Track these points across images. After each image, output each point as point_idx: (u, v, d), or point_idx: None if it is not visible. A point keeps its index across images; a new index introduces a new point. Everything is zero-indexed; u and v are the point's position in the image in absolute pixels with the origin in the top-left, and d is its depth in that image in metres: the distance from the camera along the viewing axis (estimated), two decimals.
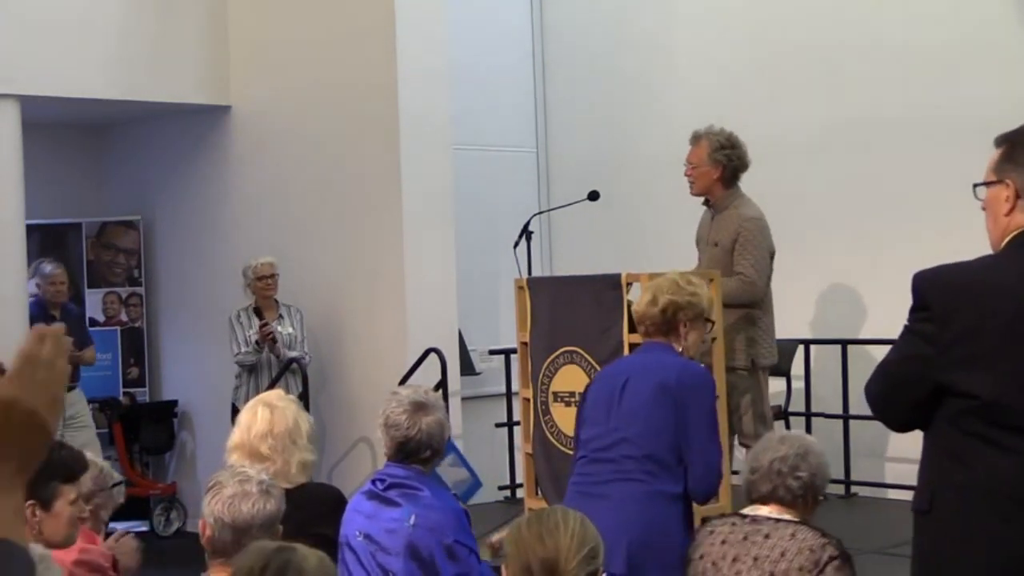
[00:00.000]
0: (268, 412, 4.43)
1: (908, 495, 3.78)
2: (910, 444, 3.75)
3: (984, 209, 3.12)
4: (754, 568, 3.75)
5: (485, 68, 9.73)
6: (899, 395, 3.18)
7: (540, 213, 7.97)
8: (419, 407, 4.25)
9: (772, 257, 6.41)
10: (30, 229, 9.05)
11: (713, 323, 4.69)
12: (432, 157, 8.49)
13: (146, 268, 10.28)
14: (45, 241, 9.33)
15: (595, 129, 9.99)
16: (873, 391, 3.27)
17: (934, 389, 3.01)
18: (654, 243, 8.71)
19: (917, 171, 8.05)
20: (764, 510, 3.90)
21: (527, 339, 6.31)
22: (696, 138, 6.64)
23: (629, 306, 4.79)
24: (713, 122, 9.10)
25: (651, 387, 4.30)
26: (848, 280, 7.91)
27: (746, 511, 3.95)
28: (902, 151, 8.22)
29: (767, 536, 3.80)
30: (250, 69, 9.55)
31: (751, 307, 6.35)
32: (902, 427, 3.40)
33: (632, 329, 5.11)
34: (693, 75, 9.40)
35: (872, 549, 5.73)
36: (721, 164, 6.49)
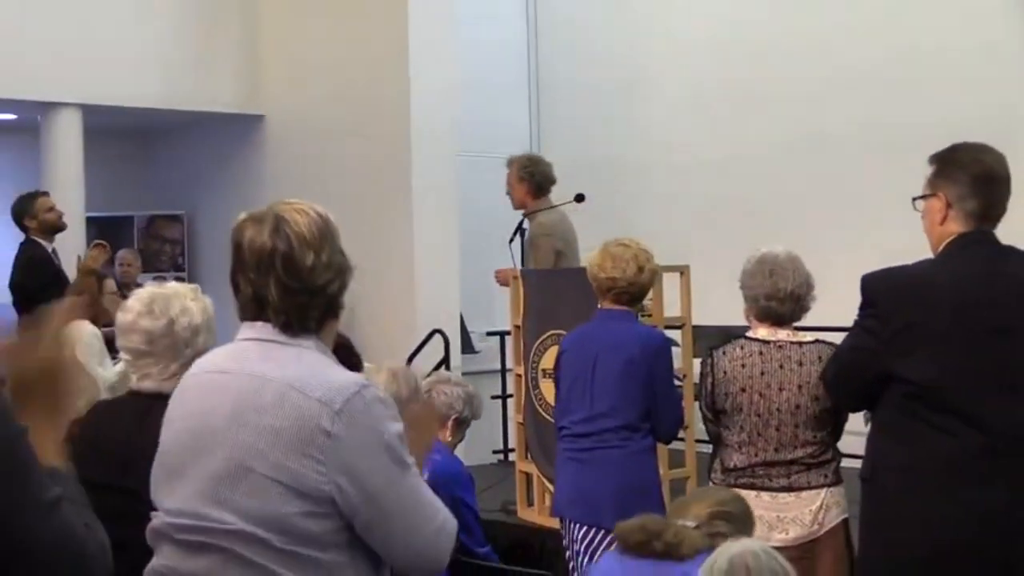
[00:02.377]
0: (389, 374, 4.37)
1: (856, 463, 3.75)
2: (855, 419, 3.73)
3: (923, 218, 3.14)
4: (798, 394, 3.71)
5: (485, 83, 9.73)
6: (848, 380, 3.23)
7: (531, 213, 7.92)
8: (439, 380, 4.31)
9: (558, 253, 6.69)
10: (89, 221, 9.12)
11: None
12: (439, 162, 8.50)
13: (189, 256, 10.37)
14: (102, 231, 9.30)
15: (581, 138, 9.98)
16: (828, 376, 3.41)
17: (879, 376, 3.02)
18: (627, 236, 8.69)
19: (864, 180, 8.04)
20: (782, 333, 3.81)
21: (520, 323, 6.30)
22: (508, 164, 6.99)
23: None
24: (687, 130, 9.14)
25: (620, 364, 4.24)
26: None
27: (763, 335, 3.83)
28: (852, 162, 8.21)
29: (800, 363, 3.74)
30: (281, 83, 9.57)
31: None
32: (852, 407, 3.45)
33: None
34: (670, 90, 9.39)
35: None
36: (527, 180, 6.82)
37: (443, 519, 2.23)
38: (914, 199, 3.14)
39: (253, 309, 2.20)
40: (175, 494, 2.19)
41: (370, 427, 2.11)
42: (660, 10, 9.52)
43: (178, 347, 2.95)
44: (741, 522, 3.14)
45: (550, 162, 7.08)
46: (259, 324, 2.21)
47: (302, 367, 2.15)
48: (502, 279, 6.89)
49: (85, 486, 1.71)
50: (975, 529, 2.87)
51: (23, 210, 7.13)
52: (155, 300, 3.00)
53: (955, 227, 3.03)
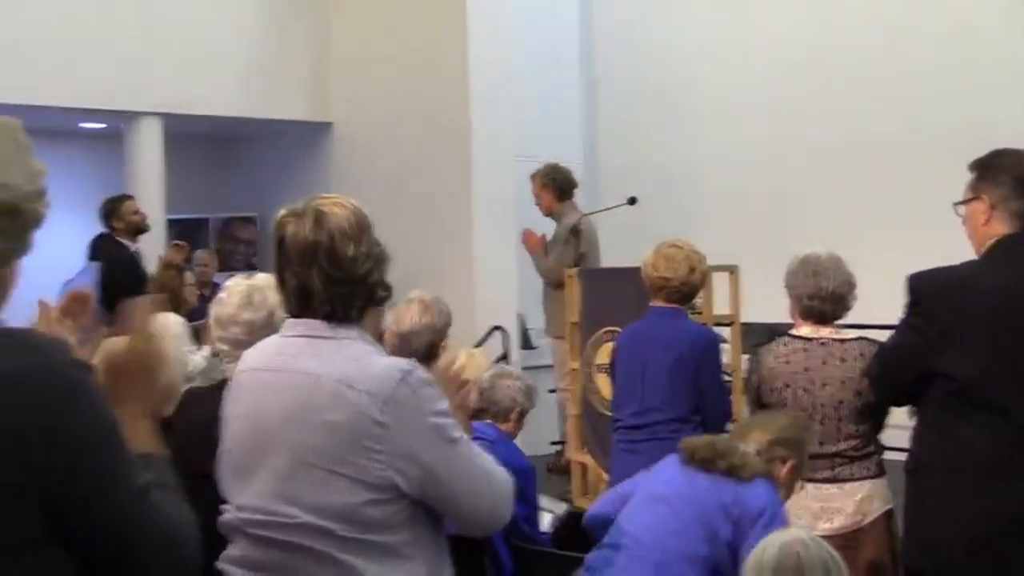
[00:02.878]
0: (480, 356, 4.54)
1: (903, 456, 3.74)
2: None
3: (964, 223, 3.12)
4: (841, 390, 3.72)
5: (541, 90, 9.71)
6: (893, 376, 3.22)
7: (587, 215, 7.93)
8: (500, 375, 4.30)
9: (581, 255, 7.11)
10: (169, 222, 9.22)
11: None
12: (498, 167, 8.52)
13: (261, 256, 10.40)
14: (181, 233, 9.44)
15: (635, 142, 9.96)
16: (873, 372, 3.38)
17: (923, 372, 3.01)
18: (679, 237, 8.68)
19: (913, 181, 7.96)
20: (825, 331, 3.81)
21: (576, 319, 6.31)
22: (532, 177, 7.43)
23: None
24: (733, 133, 9.09)
25: (670, 360, 4.30)
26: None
27: (806, 332, 3.83)
28: (901, 163, 8.13)
29: (842, 359, 3.74)
30: (348, 93, 9.61)
31: (558, 287, 6.94)
32: (895, 402, 3.44)
33: None
34: (722, 93, 9.35)
35: None
36: (550, 186, 7.23)
37: (500, 480, 2.25)
38: (956, 204, 3.13)
39: (299, 301, 2.22)
40: (243, 491, 2.22)
41: (419, 410, 2.12)
42: (712, 15, 9.47)
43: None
44: (797, 447, 3.24)
45: (570, 168, 7.38)
46: (304, 320, 2.23)
47: (348, 361, 2.15)
48: (528, 242, 7.32)
49: (181, 473, 1.72)
50: (1005, 523, 2.86)
51: (111, 211, 7.30)
52: (253, 292, 3.00)
53: (1000, 228, 3.01)
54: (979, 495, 2.88)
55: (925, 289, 3.05)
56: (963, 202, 3.10)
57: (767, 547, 2.54)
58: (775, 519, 3.00)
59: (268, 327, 2.93)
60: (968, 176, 3.12)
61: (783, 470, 3.20)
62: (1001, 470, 2.87)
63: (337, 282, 2.18)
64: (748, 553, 2.69)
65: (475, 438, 4.14)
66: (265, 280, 3.04)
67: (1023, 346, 2.90)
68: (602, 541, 3.21)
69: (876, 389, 3.43)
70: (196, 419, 2.81)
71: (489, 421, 4.15)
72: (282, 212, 2.25)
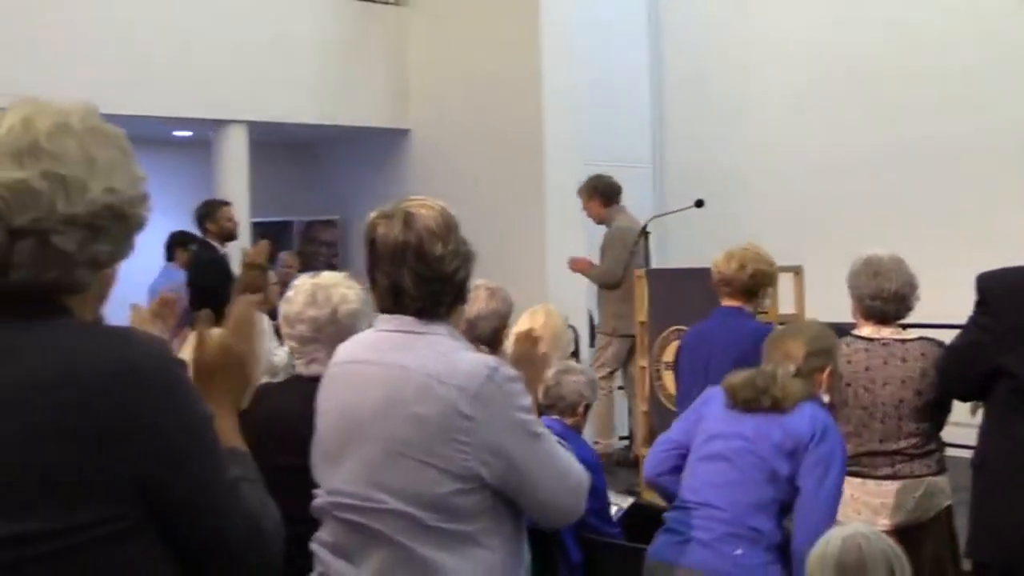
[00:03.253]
0: (543, 314, 4.51)
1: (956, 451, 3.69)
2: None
3: None
4: (901, 389, 3.69)
5: (610, 98, 9.69)
6: (960, 373, 3.18)
7: (656, 217, 7.90)
8: (566, 371, 4.28)
9: (632, 254, 7.11)
10: (254, 225, 9.34)
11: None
12: (568, 171, 8.48)
13: (343, 257, 10.49)
14: (265, 235, 9.56)
15: (700, 147, 9.91)
16: (941, 368, 3.34)
17: (991, 370, 2.98)
18: (748, 240, 8.62)
19: (972, 183, 7.83)
20: (886, 331, 3.78)
21: (645, 319, 6.29)
22: (577, 192, 7.45)
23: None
24: (795, 137, 9.01)
25: (732, 357, 4.23)
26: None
27: (868, 333, 3.81)
28: (962, 166, 8.00)
29: (903, 359, 3.71)
30: (425, 100, 9.67)
31: (612, 288, 7.12)
32: (962, 397, 3.40)
33: None
34: (785, 98, 9.27)
35: None
36: (595, 194, 7.29)
37: (577, 474, 2.26)
38: None
39: (390, 299, 2.23)
40: (335, 476, 2.24)
41: (504, 406, 2.14)
42: (776, 22, 9.38)
43: (341, 333, 2.91)
44: (830, 352, 3.24)
45: (611, 174, 7.44)
46: (397, 316, 2.24)
47: (438, 356, 2.16)
48: (576, 267, 7.37)
49: (261, 466, 1.72)
50: None
51: (207, 214, 7.37)
52: (317, 291, 3.01)
53: None
54: None
55: (993, 288, 3.02)
56: None
57: (830, 540, 2.53)
58: (827, 434, 3.02)
59: (332, 323, 2.95)
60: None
61: (822, 378, 3.20)
62: None
63: (427, 280, 2.20)
64: (809, 473, 2.87)
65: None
66: (329, 279, 3.06)
67: None
68: (675, 503, 3.19)
69: (943, 385, 3.39)
70: (268, 412, 2.83)
71: (556, 416, 4.15)
72: (372, 215, 2.26)
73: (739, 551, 2.98)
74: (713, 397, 3.27)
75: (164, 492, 1.45)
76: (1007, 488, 2.95)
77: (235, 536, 1.53)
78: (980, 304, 3.05)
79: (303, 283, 3.06)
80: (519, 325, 4.63)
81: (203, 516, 1.49)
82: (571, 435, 4.15)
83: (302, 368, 3.04)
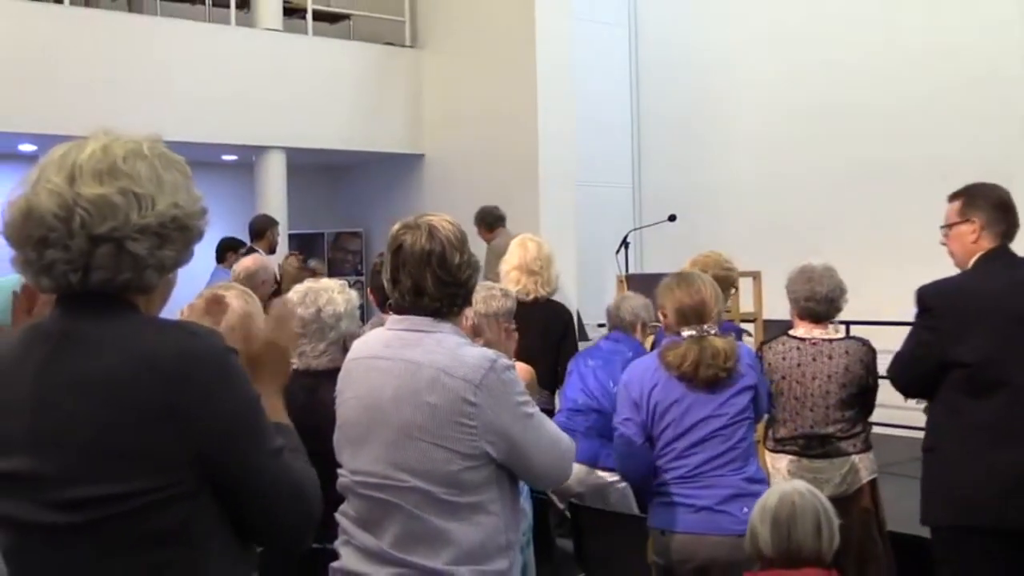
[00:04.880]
0: (535, 244, 4.58)
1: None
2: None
3: (949, 240, 3.15)
4: (828, 383, 3.68)
5: (596, 127, 9.70)
6: (912, 370, 3.14)
7: (635, 229, 7.94)
8: (625, 297, 4.43)
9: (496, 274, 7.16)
10: (291, 236, 9.29)
11: None
12: (561, 190, 8.52)
13: (365, 263, 10.48)
14: (300, 244, 9.59)
15: (673, 170, 9.92)
16: (895, 371, 3.25)
17: (938, 364, 3.01)
18: (715, 249, 8.63)
19: (913, 201, 7.83)
20: (817, 332, 3.76)
21: None
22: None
23: None
24: (757, 162, 8.98)
25: None
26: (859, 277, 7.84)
27: (801, 333, 3.77)
28: (904, 185, 8.00)
29: (830, 357, 3.70)
30: (437, 129, 9.67)
31: None
32: (915, 394, 3.35)
33: None
34: (749, 125, 9.27)
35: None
36: (480, 223, 7.29)
37: (566, 444, 2.27)
38: (944, 226, 3.15)
39: (412, 298, 2.21)
40: (357, 458, 2.21)
41: (503, 393, 2.13)
42: (741, 66, 9.39)
43: (324, 330, 2.92)
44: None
45: (495, 206, 7.44)
46: (407, 317, 2.22)
47: (445, 351, 2.15)
48: None
49: None
50: (1009, 483, 2.87)
51: (264, 227, 7.38)
52: (308, 293, 2.98)
53: (985, 244, 3.05)
54: (992, 453, 2.89)
55: (933, 297, 3.06)
56: (952, 224, 3.12)
57: (771, 495, 2.58)
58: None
59: (316, 321, 2.92)
60: (944, 203, 3.14)
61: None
62: (1008, 433, 2.89)
63: (445, 284, 2.20)
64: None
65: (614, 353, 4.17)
66: (323, 284, 3.04)
67: (1014, 333, 2.92)
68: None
69: (899, 384, 3.32)
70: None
71: (620, 331, 4.27)
72: (397, 226, 2.25)
73: None
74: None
75: (219, 459, 1.46)
76: (958, 464, 2.97)
77: (279, 498, 1.53)
78: (923, 312, 3.08)
79: (300, 286, 3.04)
80: (508, 258, 4.71)
81: (252, 480, 1.50)
82: (628, 341, 4.24)
83: (297, 362, 2.98)
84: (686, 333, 3.03)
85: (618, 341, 4.28)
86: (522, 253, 4.66)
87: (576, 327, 8.39)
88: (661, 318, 3.17)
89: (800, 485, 2.63)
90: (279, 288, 5.98)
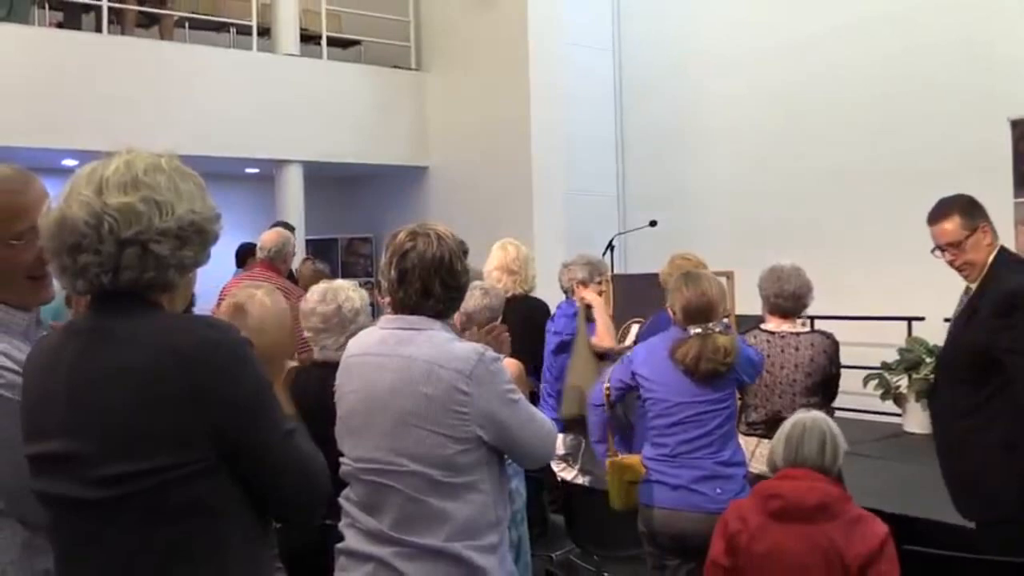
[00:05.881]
0: (514, 248, 4.69)
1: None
2: None
3: (961, 256, 2.98)
4: (794, 372, 3.68)
5: (584, 141, 9.70)
6: None
7: (619, 234, 7.94)
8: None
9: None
10: (307, 242, 9.30)
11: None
12: (552, 199, 8.54)
13: (375, 266, 10.46)
14: (315, 249, 9.58)
15: (654, 179, 9.90)
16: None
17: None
18: (692, 250, 8.63)
19: (875, 207, 7.84)
20: (785, 326, 3.76)
21: (611, 312, 6.28)
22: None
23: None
24: (731, 171, 8.96)
25: None
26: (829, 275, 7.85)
27: (771, 327, 3.77)
28: (865, 191, 8.00)
29: (796, 348, 3.70)
30: (440, 143, 9.67)
31: None
32: None
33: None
34: (723, 136, 9.25)
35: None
36: None
37: (548, 426, 2.27)
38: (953, 244, 2.97)
39: (418, 299, 2.19)
40: (359, 446, 2.20)
41: (491, 383, 2.12)
42: (713, 78, 9.38)
43: (344, 324, 2.96)
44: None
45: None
46: (399, 316, 2.21)
47: (436, 346, 2.14)
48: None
49: None
50: None
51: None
52: (327, 292, 3.02)
53: (995, 244, 2.98)
54: None
55: None
56: (964, 239, 2.96)
57: (787, 422, 2.69)
58: None
59: (337, 316, 2.97)
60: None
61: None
62: None
63: (449, 288, 2.20)
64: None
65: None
66: (339, 284, 3.09)
67: None
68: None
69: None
70: (297, 391, 2.79)
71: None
72: (404, 233, 2.24)
73: None
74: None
75: (236, 438, 1.47)
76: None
77: (290, 473, 1.54)
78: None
79: (318, 286, 3.09)
80: (490, 259, 4.75)
81: (265, 457, 1.51)
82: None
83: (317, 354, 3.03)
84: (693, 331, 3.05)
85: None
86: (503, 255, 4.76)
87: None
88: (671, 315, 3.18)
89: (814, 413, 2.73)
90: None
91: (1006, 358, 2.79)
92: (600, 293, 4.41)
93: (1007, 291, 2.84)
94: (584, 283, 4.46)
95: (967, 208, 2.97)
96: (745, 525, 2.53)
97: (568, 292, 4.59)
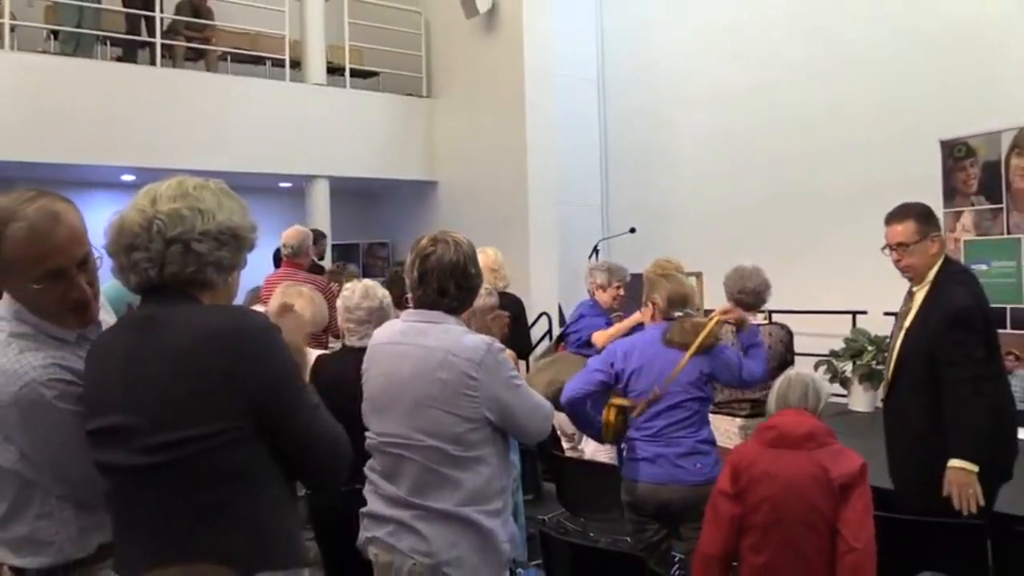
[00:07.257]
0: (492, 251, 4.73)
1: None
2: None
3: (906, 258, 2.87)
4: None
5: (573, 158, 9.68)
6: None
7: (603, 239, 7.94)
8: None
9: None
10: (334, 247, 9.23)
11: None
12: (545, 209, 8.51)
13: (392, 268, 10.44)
14: (340, 253, 9.57)
15: (634, 191, 9.90)
16: None
17: None
18: (668, 254, 8.62)
19: (828, 221, 7.82)
20: (758, 317, 3.77)
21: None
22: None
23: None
24: (704, 185, 8.93)
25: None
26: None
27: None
28: (821, 207, 7.99)
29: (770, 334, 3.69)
30: (448, 161, 9.65)
31: None
32: None
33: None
34: (697, 152, 9.24)
35: None
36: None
37: (546, 408, 2.26)
38: (903, 244, 2.85)
39: (436, 297, 2.19)
40: (382, 423, 2.21)
41: (497, 369, 2.13)
42: (686, 106, 9.39)
43: (383, 316, 3.00)
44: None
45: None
46: (419, 311, 2.21)
47: (450, 338, 2.15)
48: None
49: (330, 410, 1.66)
50: None
51: (315, 240, 7.38)
52: (368, 289, 3.06)
53: (941, 255, 2.86)
54: None
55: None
56: (915, 242, 2.84)
57: (777, 380, 2.71)
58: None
59: (380, 309, 3.01)
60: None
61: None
62: None
63: (464, 289, 2.20)
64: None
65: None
66: (371, 283, 3.13)
67: None
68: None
69: None
70: (332, 375, 2.82)
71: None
72: (426, 239, 2.23)
73: None
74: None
75: (270, 410, 1.48)
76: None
77: (317, 441, 1.54)
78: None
79: (358, 285, 3.10)
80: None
81: (296, 428, 1.51)
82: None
83: (355, 342, 3.03)
84: (676, 314, 3.08)
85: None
86: (483, 258, 4.70)
87: (558, 313, 8.47)
88: (651, 305, 3.16)
89: (801, 371, 2.78)
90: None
91: (944, 371, 2.71)
92: (615, 297, 4.40)
93: (959, 307, 2.72)
94: (602, 287, 4.48)
95: (923, 216, 2.86)
96: (746, 456, 2.55)
97: (590, 293, 4.63)
